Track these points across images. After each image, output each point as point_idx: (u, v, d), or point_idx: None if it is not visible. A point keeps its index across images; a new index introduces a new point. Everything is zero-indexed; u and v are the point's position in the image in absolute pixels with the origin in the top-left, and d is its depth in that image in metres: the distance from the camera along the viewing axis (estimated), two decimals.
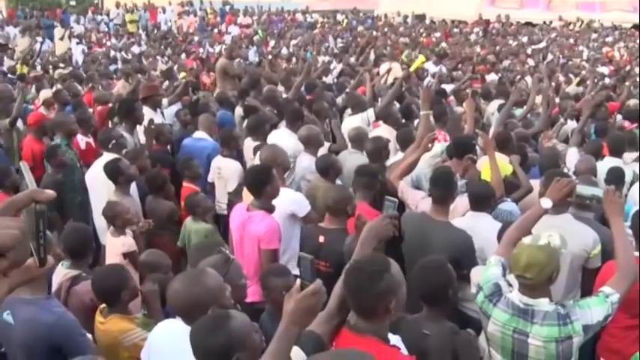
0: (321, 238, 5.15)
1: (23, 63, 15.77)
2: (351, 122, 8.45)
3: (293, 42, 22.98)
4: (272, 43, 23.19)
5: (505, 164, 6.05)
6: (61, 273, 4.48)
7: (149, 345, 3.55)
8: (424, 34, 26.89)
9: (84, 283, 4.41)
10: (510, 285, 3.78)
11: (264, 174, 5.23)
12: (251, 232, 5.10)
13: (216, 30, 28.63)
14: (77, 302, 4.31)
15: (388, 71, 12.67)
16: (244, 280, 3.90)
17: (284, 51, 20.35)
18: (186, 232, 6.18)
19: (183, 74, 11.69)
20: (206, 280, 3.33)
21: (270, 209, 5.16)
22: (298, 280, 2.67)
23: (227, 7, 33.38)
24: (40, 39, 20.83)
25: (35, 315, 3.68)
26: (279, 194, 5.27)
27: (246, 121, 9.05)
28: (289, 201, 5.53)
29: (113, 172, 6.04)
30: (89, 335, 3.98)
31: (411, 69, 10.80)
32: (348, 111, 9.35)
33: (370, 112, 8.49)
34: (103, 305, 4.12)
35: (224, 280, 3.42)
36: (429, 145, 5.87)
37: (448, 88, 12.34)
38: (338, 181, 6.32)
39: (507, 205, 5.57)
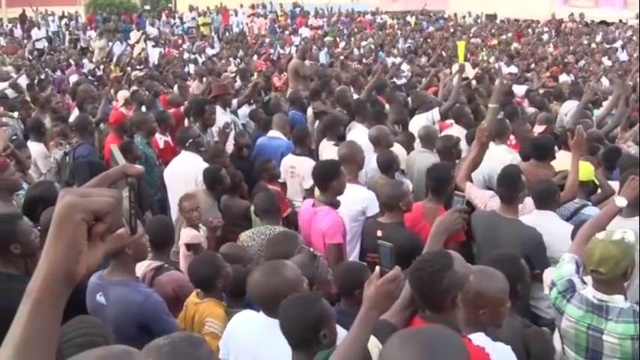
0: (379, 232, 5.23)
1: (116, 65, 16.31)
2: (416, 121, 8.52)
3: (363, 43, 23.05)
4: (342, 44, 23.32)
5: (588, 168, 5.90)
6: (144, 263, 4.64)
7: (227, 334, 3.68)
8: (495, 34, 26.57)
9: (167, 273, 4.59)
10: (584, 282, 3.77)
11: (331, 169, 5.35)
12: (317, 227, 5.23)
13: (286, 32, 28.93)
14: (160, 292, 4.43)
15: (460, 71, 12.61)
16: (331, 275, 4.04)
17: (354, 52, 20.45)
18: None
19: (255, 76, 11.92)
20: (285, 271, 3.46)
21: (335, 204, 5.27)
22: (377, 267, 2.77)
23: (297, 9, 33.70)
24: (111, 42, 21.49)
25: (125, 295, 3.88)
26: (353, 190, 5.37)
27: (317, 121, 9.23)
28: (362, 198, 5.64)
29: (213, 180, 6.27)
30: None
31: (460, 59, 10.73)
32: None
33: (435, 112, 8.52)
34: (199, 290, 4.33)
35: (314, 276, 3.54)
36: (485, 139, 5.69)
37: (521, 89, 12.22)
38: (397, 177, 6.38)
39: (591, 210, 5.50)
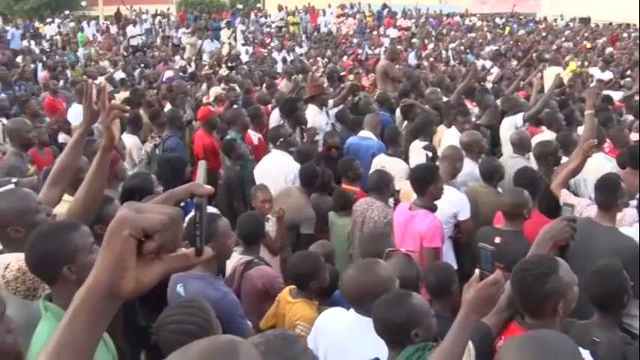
0: (497, 239, 5.12)
1: (215, 64, 16.66)
2: (502, 125, 8.38)
3: (451, 45, 22.80)
4: (430, 45, 23.13)
5: None
6: (235, 258, 4.73)
7: (316, 330, 3.71)
8: (589, 39, 25.82)
9: (256, 268, 4.65)
10: None
11: (429, 173, 5.32)
12: (414, 230, 5.19)
13: (375, 32, 28.91)
14: (250, 286, 4.54)
15: (556, 83, 12.32)
16: None
17: (443, 54, 20.26)
18: (330, 225, 6.39)
19: (351, 77, 11.96)
20: (379, 270, 3.47)
21: (433, 208, 5.23)
22: (477, 270, 2.74)
23: (385, 10, 33.62)
24: (200, 40, 21.93)
25: (203, 290, 3.89)
26: (447, 192, 5.33)
27: (406, 122, 9.19)
28: (456, 201, 5.59)
29: (310, 177, 6.37)
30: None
31: (563, 75, 10.47)
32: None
33: (519, 117, 8.34)
34: (293, 286, 4.35)
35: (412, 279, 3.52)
36: (590, 151, 5.60)
37: (617, 94, 11.84)
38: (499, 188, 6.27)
39: None
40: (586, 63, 18.42)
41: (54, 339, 1.23)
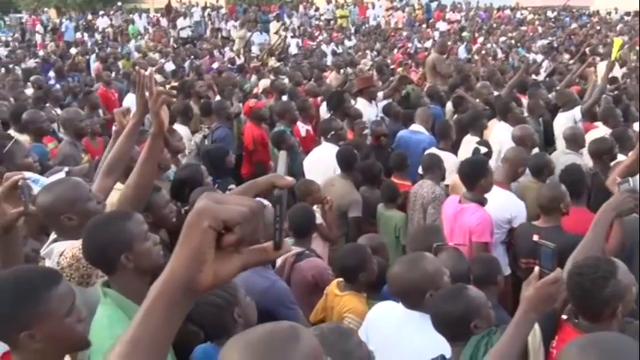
0: (536, 237, 5.04)
1: (269, 55, 16.73)
2: (559, 119, 8.22)
3: (502, 39, 22.49)
4: (480, 39, 22.86)
5: None
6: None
7: (367, 325, 3.68)
8: None
9: (307, 260, 4.63)
10: None
11: (480, 167, 5.27)
12: (463, 223, 5.14)
13: (424, 25, 28.70)
14: (300, 278, 4.53)
15: (609, 69, 12.05)
16: None
17: (494, 47, 20.01)
18: (377, 218, 6.37)
19: (399, 70, 11.90)
20: (425, 264, 3.44)
21: (483, 202, 5.17)
22: (537, 268, 2.69)
23: (434, 4, 33.32)
24: (249, 33, 22.02)
25: (251, 279, 3.85)
26: (503, 197, 5.30)
27: (455, 115, 9.10)
28: (513, 207, 5.44)
29: (348, 160, 6.36)
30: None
31: (612, 57, 10.20)
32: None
33: (577, 111, 8.18)
34: (341, 279, 4.33)
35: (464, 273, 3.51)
36: None
37: None
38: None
39: None
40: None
41: (128, 334, 1.20)
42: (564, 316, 3.03)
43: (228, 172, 6.45)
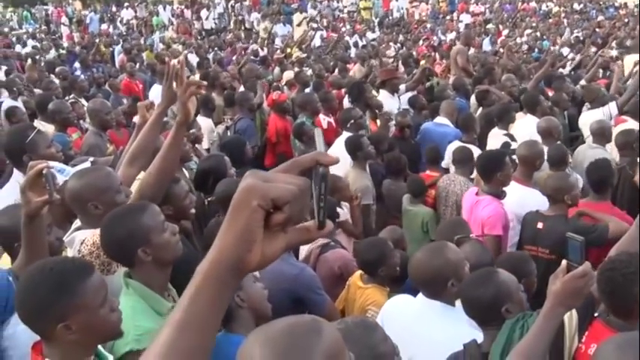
0: (540, 225, 5.00)
1: (298, 47, 16.73)
2: (591, 116, 8.07)
3: (527, 31, 22.27)
4: (505, 31, 22.66)
5: None
6: None
7: (383, 316, 3.63)
8: None
9: (333, 251, 4.61)
10: None
11: (496, 160, 5.23)
12: (477, 216, 5.10)
13: (447, 17, 28.53)
14: (325, 269, 4.51)
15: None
16: None
17: (518, 40, 19.82)
18: (403, 212, 6.33)
19: (422, 62, 11.84)
20: (447, 253, 3.42)
21: (499, 195, 5.13)
22: (564, 261, 2.63)
23: None
24: (272, 25, 22.02)
25: (279, 267, 3.85)
26: (526, 194, 5.25)
27: (480, 108, 9.02)
28: (536, 203, 5.31)
29: (353, 146, 6.27)
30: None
31: None
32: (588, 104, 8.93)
33: (612, 106, 8.05)
34: (362, 272, 4.31)
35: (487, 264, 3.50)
36: None
37: None
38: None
39: None
40: None
41: (175, 318, 1.18)
42: (596, 314, 2.98)
43: (247, 162, 6.44)
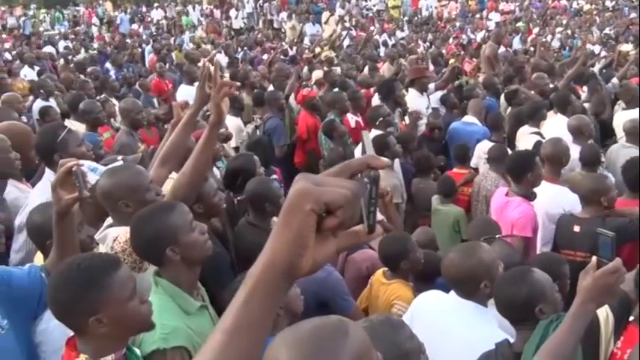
0: (577, 228, 4.93)
1: (331, 48, 16.73)
2: (627, 116, 7.95)
3: (558, 29, 22.03)
4: (535, 30, 22.43)
5: None
6: None
7: (412, 313, 3.61)
8: None
9: (361, 251, 4.59)
10: None
11: (527, 161, 5.17)
12: (507, 217, 5.05)
13: (477, 16, 28.33)
14: (354, 269, 4.51)
15: None
16: None
17: (549, 38, 19.60)
18: (433, 212, 6.31)
19: (451, 61, 11.77)
20: (481, 253, 3.40)
21: (529, 196, 5.07)
22: (594, 258, 2.59)
23: None
24: (301, 24, 22.03)
25: None
26: (556, 192, 5.19)
27: (510, 107, 8.94)
28: (567, 201, 5.26)
29: (380, 145, 6.23)
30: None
31: None
32: (622, 104, 8.80)
33: None
34: (386, 268, 4.30)
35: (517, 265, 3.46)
36: None
37: None
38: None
39: None
40: None
41: (226, 322, 1.17)
42: (631, 318, 2.93)
43: (273, 163, 6.44)
